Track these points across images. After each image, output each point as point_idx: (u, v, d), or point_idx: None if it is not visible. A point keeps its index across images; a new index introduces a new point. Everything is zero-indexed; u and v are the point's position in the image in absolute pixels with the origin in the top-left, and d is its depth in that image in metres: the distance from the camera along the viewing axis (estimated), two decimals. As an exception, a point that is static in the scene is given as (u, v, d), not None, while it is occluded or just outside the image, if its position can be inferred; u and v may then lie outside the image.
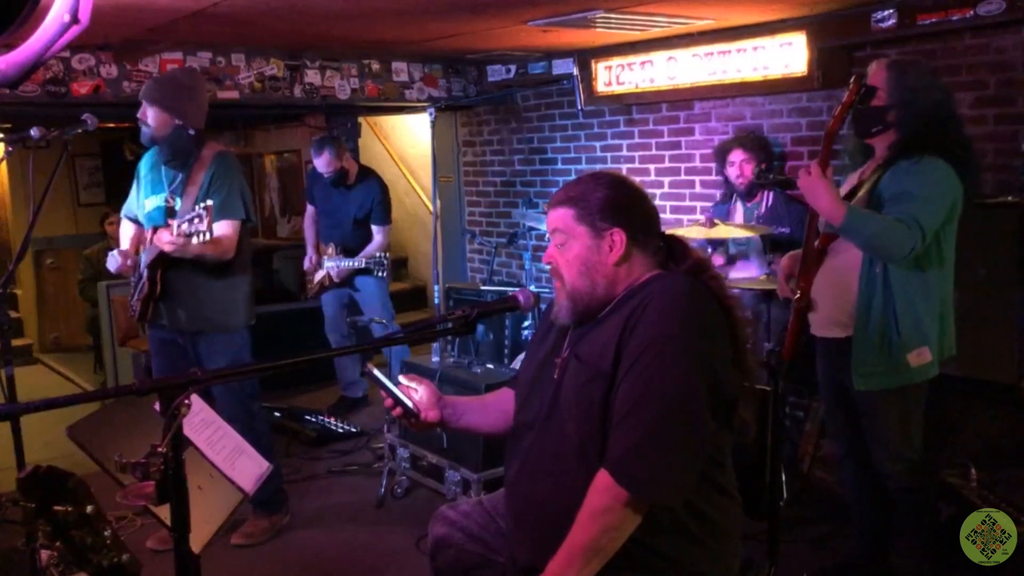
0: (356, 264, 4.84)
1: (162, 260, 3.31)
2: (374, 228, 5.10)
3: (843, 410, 2.84)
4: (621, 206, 1.84)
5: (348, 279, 5.12)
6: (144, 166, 3.53)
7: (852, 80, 2.60)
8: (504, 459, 2.02)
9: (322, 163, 5.07)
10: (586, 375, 1.78)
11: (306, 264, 5.37)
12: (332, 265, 5.04)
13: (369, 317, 5.01)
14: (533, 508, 1.85)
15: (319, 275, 5.19)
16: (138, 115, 3.32)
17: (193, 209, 3.05)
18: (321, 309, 5.40)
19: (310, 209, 5.41)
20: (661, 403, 1.66)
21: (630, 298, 1.81)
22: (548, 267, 1.94)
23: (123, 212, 3.66)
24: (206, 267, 3.35)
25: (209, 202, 3.02)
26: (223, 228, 3.28)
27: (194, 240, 3.05)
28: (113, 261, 3.49)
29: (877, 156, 2.68)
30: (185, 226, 3.05)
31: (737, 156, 4.17)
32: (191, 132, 3.33)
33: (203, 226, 2.98)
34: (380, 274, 4.82)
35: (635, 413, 1.67)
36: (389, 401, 1.96)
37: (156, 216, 3.39)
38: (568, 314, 1.87)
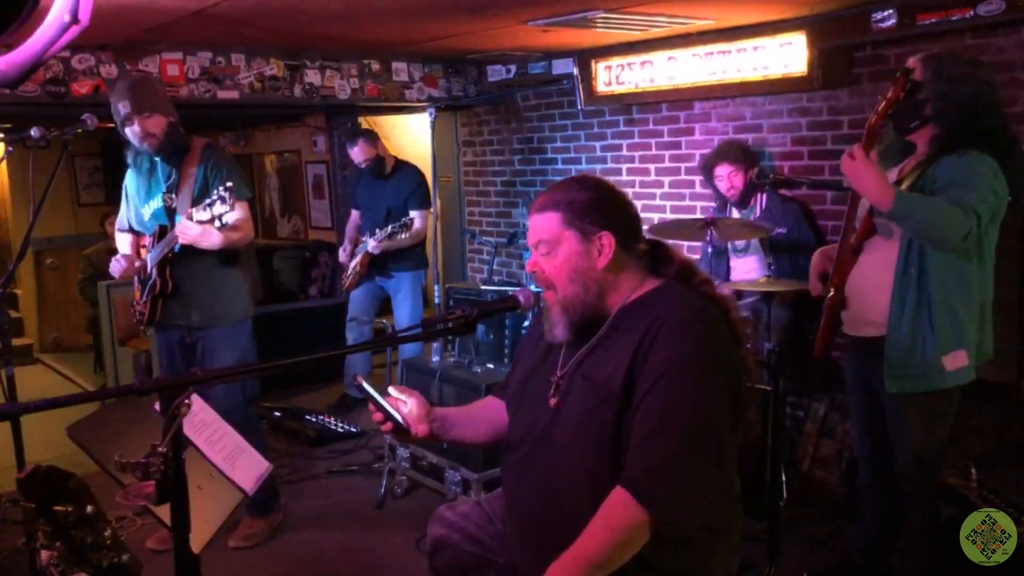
0: (382, 235, 4.83)
1: (170, 257, 3.32)
2: (412, 213, 5.06)
3: (870, 411, 2.81)
4: (608, 209, 1.81)
5: (383, 269, 5.13)
6: (131, 183, 3.51)
7: (898, 74, 2.53)
8: (500, 469, 2.00)
9: (357, 153, 5.08)
10: (595, 397, 1.75)
11: (341, 255, 5.41)
12: (365, 244, 5.05)
13: (369, 318, 5.01)
14: (536, 525, 1.83)
15: (354, 262, 5.19)
16: (139, 134, 3.23)
17: (209, 196, 3.08)
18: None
19: (354, 215, 5.42)
20: (685, 424, 1.65)
21: (633, 314, 1.78)
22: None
23: (117, 226, 3.67)
24: (215, 258, 3.36)
25: (229, 183, 3.06)
26: (240, 211, 3.27)
27: (217, 224, 3.09)
28: (117, 266, 3.49)
29: (918, 152, 2.62)
30: (203, 212, 3.07)
31: (724, 170, 4.11)
32: (181, 128, 3.37)
33: (226, 207, 3.02)
34: (403, 236, 4.82)
35: (658, 433, 1.64)
36: (378, 415, 1.89)
37: (159, 216, 3.40)
38: (563, 328, 1.82)
